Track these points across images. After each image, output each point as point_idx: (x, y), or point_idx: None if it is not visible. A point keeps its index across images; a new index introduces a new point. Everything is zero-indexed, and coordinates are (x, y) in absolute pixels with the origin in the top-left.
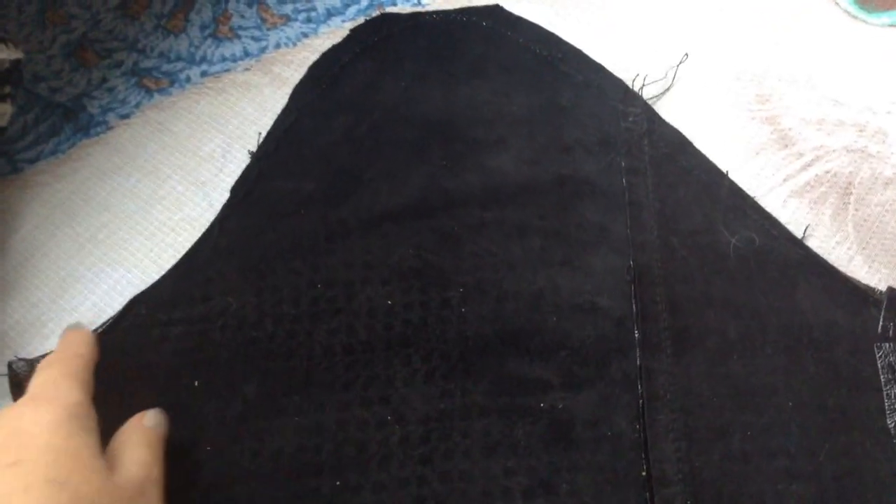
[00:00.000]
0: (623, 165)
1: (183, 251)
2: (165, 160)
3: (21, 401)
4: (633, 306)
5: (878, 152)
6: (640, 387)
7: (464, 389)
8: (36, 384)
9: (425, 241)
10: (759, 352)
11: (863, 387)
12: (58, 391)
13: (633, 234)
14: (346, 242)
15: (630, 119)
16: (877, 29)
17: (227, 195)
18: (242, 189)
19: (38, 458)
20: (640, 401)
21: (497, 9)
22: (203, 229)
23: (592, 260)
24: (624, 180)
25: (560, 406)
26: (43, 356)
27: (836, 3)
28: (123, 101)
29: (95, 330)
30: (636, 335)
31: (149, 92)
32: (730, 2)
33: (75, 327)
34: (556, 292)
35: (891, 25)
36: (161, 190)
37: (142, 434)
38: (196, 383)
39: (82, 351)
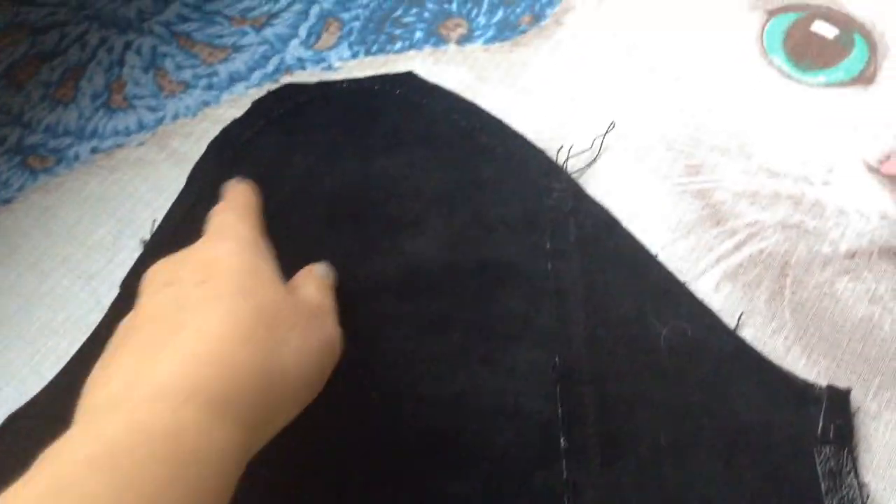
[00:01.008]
0: (548, 247)
1: (67, 357)
2: (50, 250)
3: (201, 239)
4: (560, 409)
5: (815, 227)
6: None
7: None
8: (212, 226)
9: None
10: (692, 458)
11: (803, 496)
12: (233, 228)
13: (558, 325)
14: None
15: (554, 195)
16: (813, 89)
17: (116, 290)
18: (134, 283)
19: (225, 276)
20: None
21: (411, 77)
22: (89, 331)
23: (516, 356)
24: (549, 264)
25: None
26: None
27: (770, 63)
28: (6, 184)
29: None
30: (562, 443)
31: (34, 172)
32: (659, 64)
33: (237, 182)
34: (476, 394)
35: (827, 85)
36: (44, 286)
37: (313, 278)
38: None
39: (247, 198)
